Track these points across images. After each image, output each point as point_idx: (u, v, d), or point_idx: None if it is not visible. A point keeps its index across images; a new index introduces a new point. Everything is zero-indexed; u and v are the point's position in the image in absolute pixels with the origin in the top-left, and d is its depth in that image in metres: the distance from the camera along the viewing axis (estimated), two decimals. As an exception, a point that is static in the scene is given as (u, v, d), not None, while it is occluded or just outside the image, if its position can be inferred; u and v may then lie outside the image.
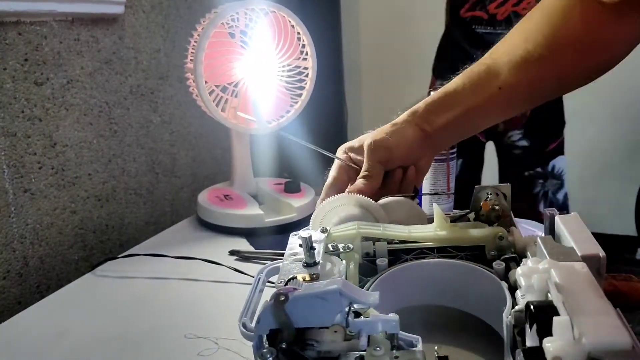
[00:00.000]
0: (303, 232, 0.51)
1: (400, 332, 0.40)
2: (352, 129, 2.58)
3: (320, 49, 0.96)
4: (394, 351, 0.38)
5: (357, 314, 0.41)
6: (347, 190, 0.65)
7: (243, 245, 0.90)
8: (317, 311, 0.39)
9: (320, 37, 1.03)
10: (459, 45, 1.58)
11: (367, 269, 0.54)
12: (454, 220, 0.59)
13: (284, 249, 0.82)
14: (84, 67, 0.96)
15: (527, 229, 0.78)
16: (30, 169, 0.87)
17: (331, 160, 0.70)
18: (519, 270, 0.41)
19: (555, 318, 0.33)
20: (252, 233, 0.93)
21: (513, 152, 1.62)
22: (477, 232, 0.54)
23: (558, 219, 0.47)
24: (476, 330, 0.52)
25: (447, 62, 1.63)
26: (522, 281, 0.40)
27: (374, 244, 0.55)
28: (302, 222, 0.97)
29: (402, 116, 0.68)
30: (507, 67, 0.63)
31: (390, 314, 0.39)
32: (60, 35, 0.91)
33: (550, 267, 0.38)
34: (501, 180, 1.76)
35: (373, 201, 0.60)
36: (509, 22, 1.50)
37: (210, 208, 0.97)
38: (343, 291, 0.38)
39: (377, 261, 0.54)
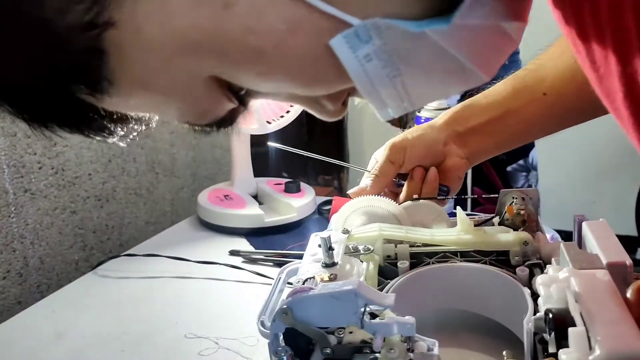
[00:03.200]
0: (323, 233, 0.51)
1: (417, 335, 0.39)
2: (352, 129, 2.58)
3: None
4: (410, 354, 0.38)
5: (374, 316, 0.41)
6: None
7: (243, 245, 0.90)
8: (332, 311, 0.39)
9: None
10: None
11: (390, 272, 0.53)
12: (478, 224, 0.58)
13: (284, 249, 0.82)
14: (84, 67, 0.96)
15: None
16: (30, 169, 0.87)
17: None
18: (538, 279, 0.41)
19: (570, 329, 0.33)
20: (252, 233, 0.93)
21: None
22: (502, 237, 0.53)
23: (585, 224, 0.46)
24: (498, 336, 0.51)
25: None
26: (541, 290, 0.39)
27: (395, 247, 0.55)
28: (302, 222, 0.97)
29: (439, 116, 0.67)
30: (553, 72, 0.61)
31: (407, 317, 0.39)
32: (60, 35, 0.91)
33: (570, 276, 0.37)
34: (477, 179, 1.76)
35: (396, 203, 0.60)
36: None
37: (210, 208, 0.97)
38: (358, 292, 0.38)
39: (399, 264, 0.53)
